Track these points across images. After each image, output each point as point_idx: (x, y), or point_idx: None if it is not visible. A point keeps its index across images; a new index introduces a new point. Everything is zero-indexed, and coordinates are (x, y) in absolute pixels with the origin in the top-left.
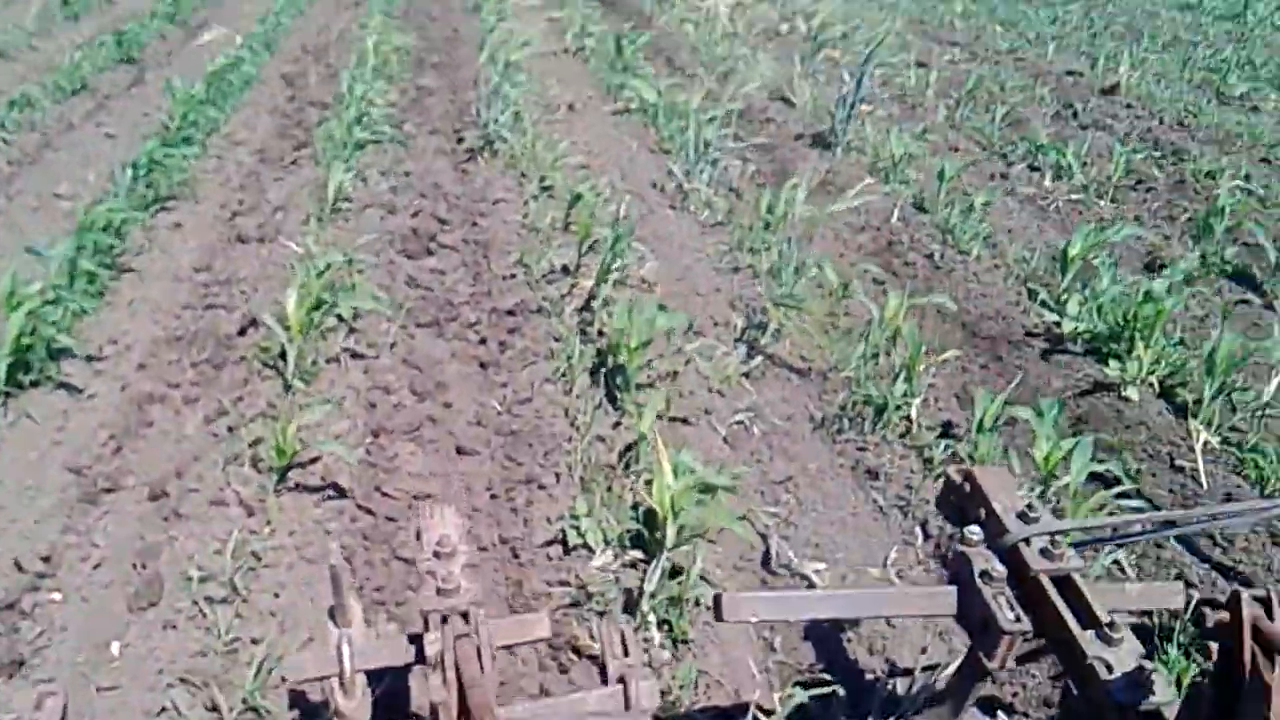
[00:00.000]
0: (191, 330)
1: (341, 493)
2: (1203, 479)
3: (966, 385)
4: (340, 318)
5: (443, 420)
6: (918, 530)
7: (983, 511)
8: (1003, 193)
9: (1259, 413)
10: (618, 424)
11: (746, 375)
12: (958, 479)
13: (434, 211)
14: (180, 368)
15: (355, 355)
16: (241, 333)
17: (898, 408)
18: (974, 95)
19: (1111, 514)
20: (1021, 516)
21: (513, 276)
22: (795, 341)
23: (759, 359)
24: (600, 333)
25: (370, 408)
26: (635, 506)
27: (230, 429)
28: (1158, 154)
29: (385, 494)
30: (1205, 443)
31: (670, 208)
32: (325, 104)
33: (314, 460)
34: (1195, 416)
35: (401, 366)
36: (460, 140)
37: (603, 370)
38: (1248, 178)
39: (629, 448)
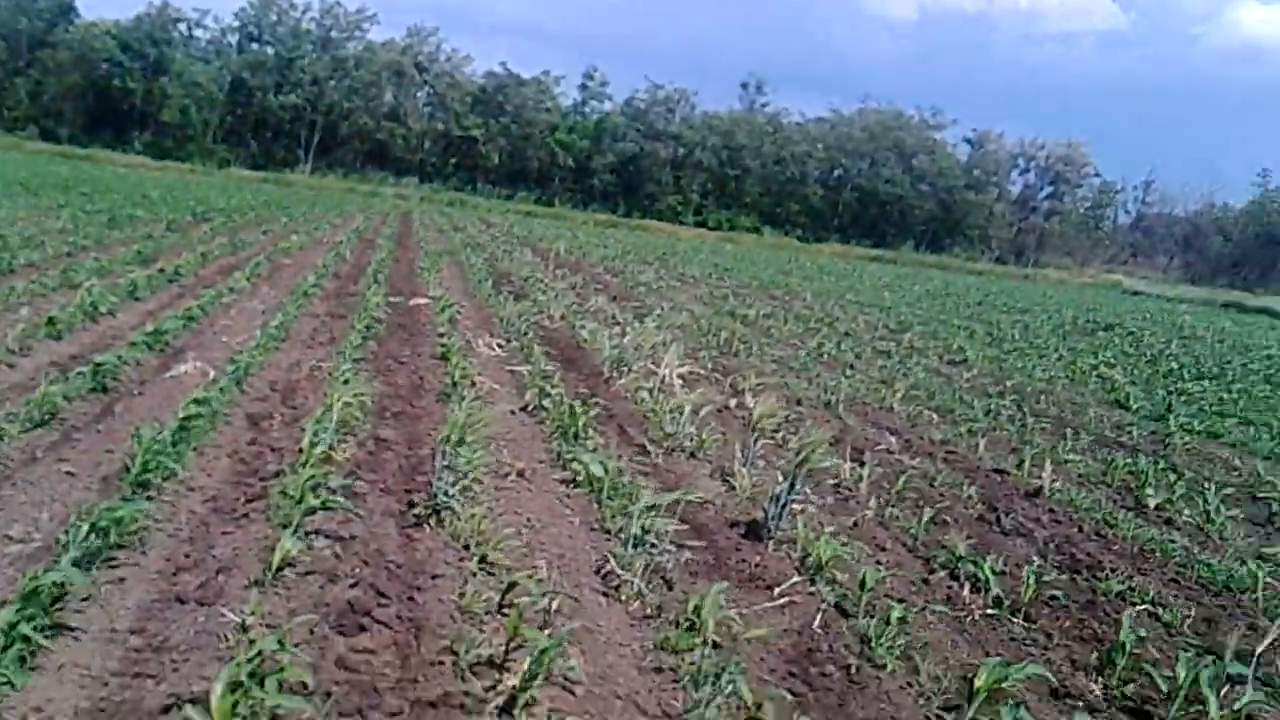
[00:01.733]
0: (116, 702)
1: None
2: None
3: None
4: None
5: None
6: None
7: None
8: (923, 601)
9: None
10: None
11: None
12: None
13: (374, 582)
14: None
15: None
16: (165, 711)
17: None
18: (904, 495)
19: None
20: None
21: (441, 664)
22: None
23: None
24: None
25: None
26: None
27: None
28: (1073, 569)
29: None
30: None
31: (603, 594)
32: (284, 451)
33: None
34: None
35: None
36: (410, 505)
37: None
38: (1154, 602)
39: None
